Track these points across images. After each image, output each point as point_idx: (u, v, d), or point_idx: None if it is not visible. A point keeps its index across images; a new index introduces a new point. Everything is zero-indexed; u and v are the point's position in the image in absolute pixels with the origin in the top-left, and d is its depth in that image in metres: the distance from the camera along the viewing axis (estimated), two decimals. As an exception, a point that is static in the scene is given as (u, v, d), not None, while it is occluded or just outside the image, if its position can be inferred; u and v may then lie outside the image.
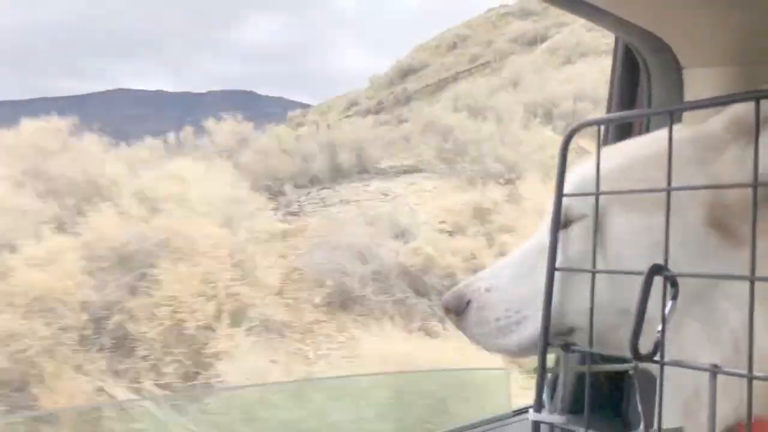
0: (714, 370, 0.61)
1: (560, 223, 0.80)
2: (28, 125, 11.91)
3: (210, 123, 15.78)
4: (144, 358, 7.02)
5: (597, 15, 1.06)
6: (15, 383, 6.51)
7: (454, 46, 30.52)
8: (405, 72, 29.04)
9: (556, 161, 0.82)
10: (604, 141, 1.40)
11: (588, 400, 0.77)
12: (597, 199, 0.81)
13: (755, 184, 0.62)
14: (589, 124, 0.81)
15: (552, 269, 0.78)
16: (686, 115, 1.17)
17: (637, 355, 0.63)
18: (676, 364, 0.66)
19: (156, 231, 8.31)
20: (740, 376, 0.60)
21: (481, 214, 11.17)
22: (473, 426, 1.50)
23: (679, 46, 1.11)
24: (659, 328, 0.65)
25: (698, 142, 0.80)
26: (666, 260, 0.67)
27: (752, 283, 0.60)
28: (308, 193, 13.42)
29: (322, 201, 12.95)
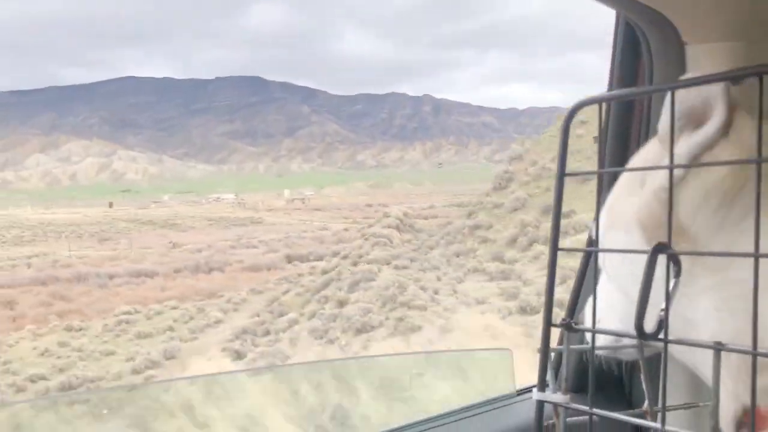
0: (718, 348, 0.61)
1: (561, 202, 0.80)
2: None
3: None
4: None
5: (597, -10, 1.05)
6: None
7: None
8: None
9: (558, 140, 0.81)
10: (605, 119, 1.40)
11: (592, 378, 0.77)
12: (600, 177, 0.81)
13: (759, 161, 0.61)
14: (591, 102, 0.80)
15: (555, 248, 0.78)
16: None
17: (641, 334, 0.63)
18: (680, 342, 0.66)
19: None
20: (744, 352, 0.60)
21: None
22: (478, 405, 1.51)
23: (681, 21, 1.10)
24: (663, 306, 0.64)
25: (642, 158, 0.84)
26: (669, 238, 0.67)
27: (756, 259, 0.60)
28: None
29: None
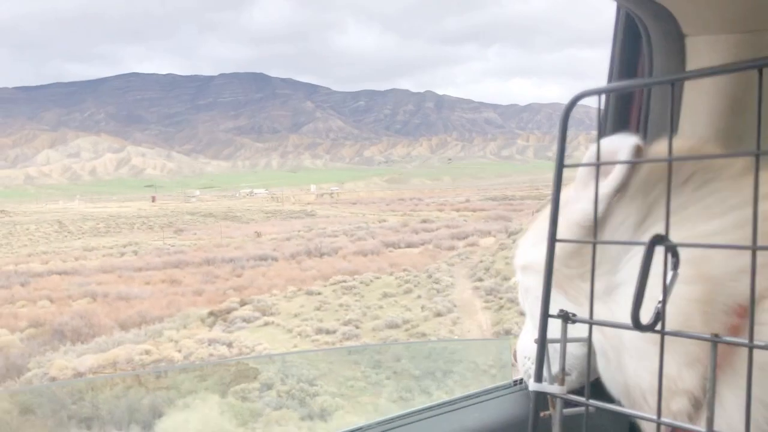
0: (714, 339, 0.61)
1: (560, 194, 0.80)
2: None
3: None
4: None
5: (598, -18, 1.04)
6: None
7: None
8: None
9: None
10: (603, 112, 1.39)
11: (588, 370, 0.77)
12: (597, 170, 0.81)
13: (758, 153, 0.61)
14: (591, 93, 0.80)
15: (553, 240, 0.78)
16: (688, 84, 1.16)
17: (638, 325, 0.63)
18: (677, 334, 0.66)
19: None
20: (741, 344, 0.60)
21: None
22: (475, 395, 1.51)
23: (682, 14, 1.09)
24: (660, 298, 0.65)
25: (565, 199, 0.91)
26: (667, 230, 0.67)
27: (754, 252, 0.60)
28: None
29: None
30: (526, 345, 1.20)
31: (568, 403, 0.76)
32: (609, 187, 0.88)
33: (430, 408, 1.47)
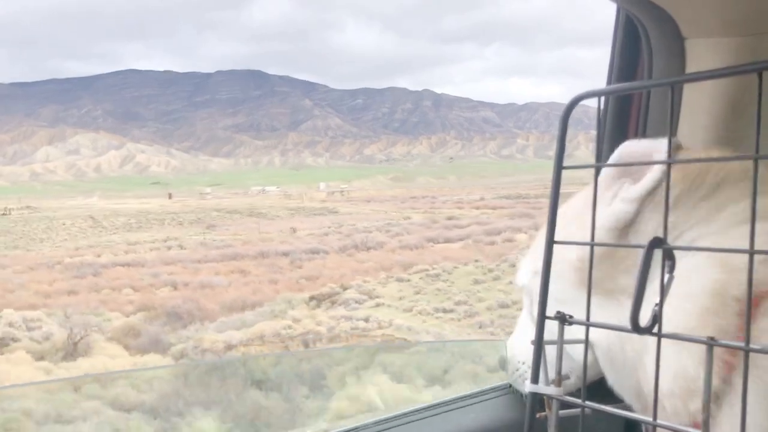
0: (710, 343, 0.62)
1: (558, 195, 0.80)
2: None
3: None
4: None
5: (599, -16, 1.04)
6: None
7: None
8: None
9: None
10: (603, 114, 1.39)
11: (584, 371, 0.77)
12: (596, 171, 0.81)
13: (756, 157, 0.61)
14: (590, 96, 0.80)
15: (551, 241, 0.78)
16: (687, 87, 1.16)
17: (636, 328, 0.63)
18: (674, 336, 0.66)
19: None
20: (737, 348, 0.61)
21: None
22: (470, 396, 1.51)
23: (682, 16, 1.09)
24: (657, 300, 0.65)
25: (584, 202, 0.94)
26: (665, 233, 0.67)
27: (751, 256, 0.60)
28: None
29: None
30: (520, 347, 1.20)
31: (564, 405, 0.76)
32: (642, 190, 0.87)
33: (426, 408, 1.46)
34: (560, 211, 0.99)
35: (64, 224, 59.51)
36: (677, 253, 0.81)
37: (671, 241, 0.83)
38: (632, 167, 0.88)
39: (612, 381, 0.95)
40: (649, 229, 0.86)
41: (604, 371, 0.95)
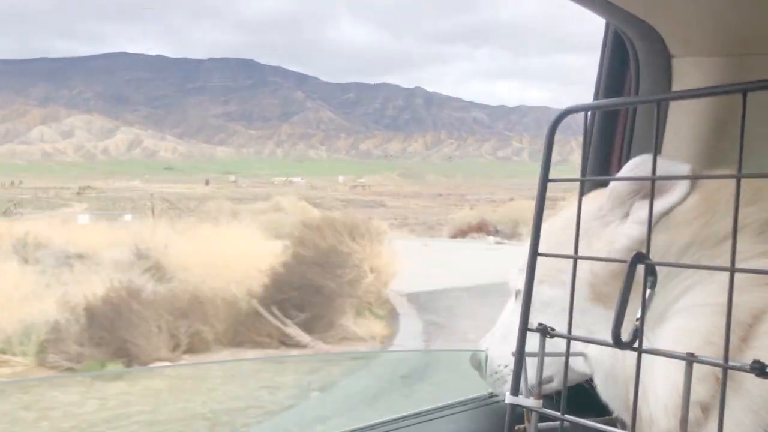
0: (690, 359, 0.62)
1: (543, 210, 0.80)
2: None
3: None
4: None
5: (587, -1, 1.05)
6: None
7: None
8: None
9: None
10: (589, 129, 1.40)
11: (564, 384, 0.77)
12: (582, 186, 0.82)
13: (739, 176, 0.62)
14: (576, 110, 0.81)
15: (534, 253, 0.78)
16: (673, 104, 1.18)
17: (618, 342, 0.63)
18: (654, 352, 0.66)
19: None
20: (715, 365, 0.61)
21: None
22: (448, 407, 1.50)
23: (670, 35, 1.10)
24: (638, 315, 0.65)
25: (592, 214, 0.93)
26: (648, 249, 0.68)
27: (732, 273, 0.60)
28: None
29: None
30: (500, 349, 1.18)
31: (543, 417, 0.76)
32: (666, 206, 0.86)
33: (402, 418, 1.45)
34: (563, 224, 0.99)
35: (146, 205, 58.52)
36: (684, 272, 0.83)
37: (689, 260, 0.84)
38: (644, 182, 0.87)
39: (604, 394, 0.95)
40: (663, 246, 0.85)
41: (596, 383, 0.95)
